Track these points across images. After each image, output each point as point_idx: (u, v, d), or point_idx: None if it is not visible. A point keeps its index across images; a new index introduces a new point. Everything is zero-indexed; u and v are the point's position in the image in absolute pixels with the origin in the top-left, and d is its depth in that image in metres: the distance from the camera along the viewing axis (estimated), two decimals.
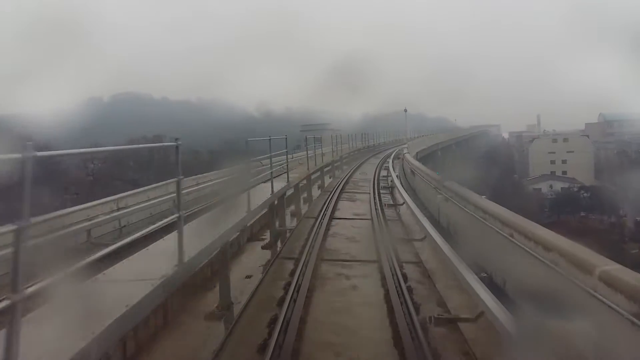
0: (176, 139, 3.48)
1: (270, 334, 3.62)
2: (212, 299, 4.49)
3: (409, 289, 4.77)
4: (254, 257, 6.46)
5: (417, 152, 20.19)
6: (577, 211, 43.83)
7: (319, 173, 13.88)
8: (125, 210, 7.42)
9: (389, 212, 9.61)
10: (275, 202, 7.48)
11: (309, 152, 12.17)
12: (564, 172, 60.94)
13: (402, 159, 17.69)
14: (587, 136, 69.28)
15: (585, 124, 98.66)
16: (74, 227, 5.92)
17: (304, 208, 10.15)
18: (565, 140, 65.85)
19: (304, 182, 10.85)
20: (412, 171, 13.39)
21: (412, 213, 8.38)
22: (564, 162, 62.43)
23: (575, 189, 52.10)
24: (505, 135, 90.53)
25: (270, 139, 7.25)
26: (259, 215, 7.11)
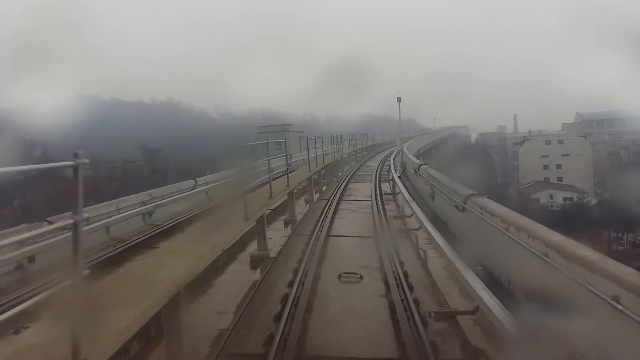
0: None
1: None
2: None
3: None
4: None
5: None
6: (586, 226, 42.37)
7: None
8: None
9: None
10: None
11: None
12: (559, 179, 65.73)
13: None
14: (585, 137, 73.98)
15: (562, 124, 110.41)
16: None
17: None
18: (560, 142, 71.04)
19: None
20: None
21: None
22: (558, 167, 67.34)
23: (582, 200, 54.48)
24: (474, 137, 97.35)
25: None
26: None
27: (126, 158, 51.57)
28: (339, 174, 22.51)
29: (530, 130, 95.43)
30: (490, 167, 70.46)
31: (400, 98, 30.21)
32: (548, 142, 72.38)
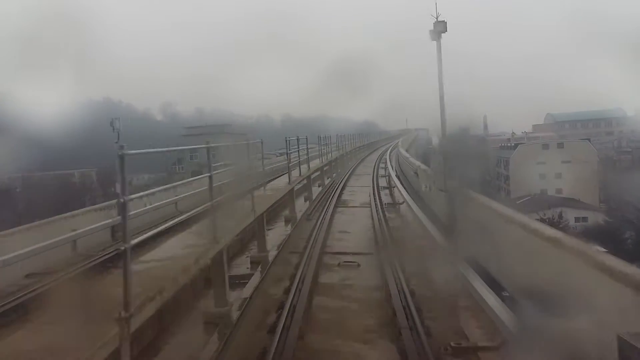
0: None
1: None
2: None
3: None
4: None
5: None
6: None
7: None
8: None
9: None
10: None
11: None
12: (558, 190, 69.69)
13: None
14: (589, 140, 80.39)
15: (533, 125, 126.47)
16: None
17: None
18: (560, 146, 76.64)
19: None
20: None
21: None
22: (557, 176, 71.88)
23: (599, 220, 55.14)
24: (435, 140, 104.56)
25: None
26: None
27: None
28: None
29: (513, 132, 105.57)
30: (469, 177, 73.41)
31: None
32: (546, 147, 77.54)
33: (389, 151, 42.54)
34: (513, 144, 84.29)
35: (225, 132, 55.83)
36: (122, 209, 4.41)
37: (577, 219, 58.20)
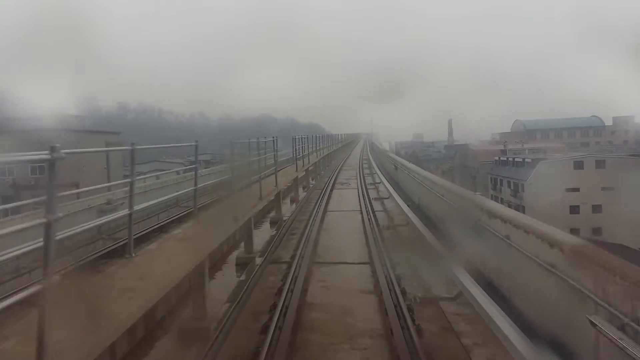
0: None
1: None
2: None
3: None
4: None
5: None
6: None
7: None
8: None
9: None
10: None
11: None
12: (596, 230, 68.56)
13: None
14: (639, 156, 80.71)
15: (500, 134, 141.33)
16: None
17: None
18: (600, 165, 75.92)
19: None
20: None
21: None
22: (596, 210, 71.77)
23: None
24: (387, 146, 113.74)
25: None
26: None
27: None
28: None
29: (505, 142, 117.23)
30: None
31: None
32: (579, 165, 77.01)
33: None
34: (522, 159, 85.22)
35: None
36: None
37: None
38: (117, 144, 62.82)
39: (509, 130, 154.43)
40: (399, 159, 55.79)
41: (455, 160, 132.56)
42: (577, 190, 73.83)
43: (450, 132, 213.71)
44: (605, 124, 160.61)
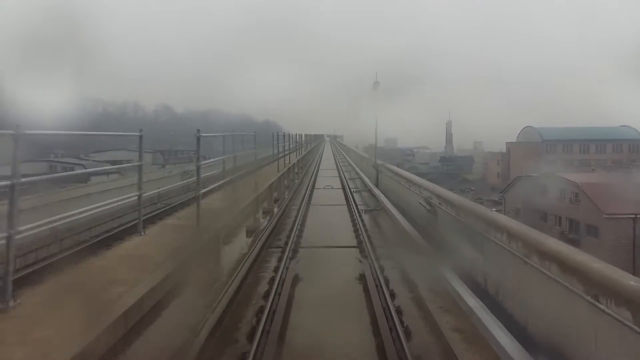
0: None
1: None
2: None
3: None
4: None
5: None
6: None
7: None
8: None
9: None
10: None
11: None
12: None
13: None
14: None
15: (507, 143, 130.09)
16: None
17: None
18: None
19: None
20: None
21: None
22: None
23: None
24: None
25: None
26: None
27: None
28: None
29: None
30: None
31: None
32: None
33: None
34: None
35: None
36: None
37: None
38: None
39: (514, 140, 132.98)
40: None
41: (516, 199, 78.07)
42: None
43: (449, 140, 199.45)
44: None
